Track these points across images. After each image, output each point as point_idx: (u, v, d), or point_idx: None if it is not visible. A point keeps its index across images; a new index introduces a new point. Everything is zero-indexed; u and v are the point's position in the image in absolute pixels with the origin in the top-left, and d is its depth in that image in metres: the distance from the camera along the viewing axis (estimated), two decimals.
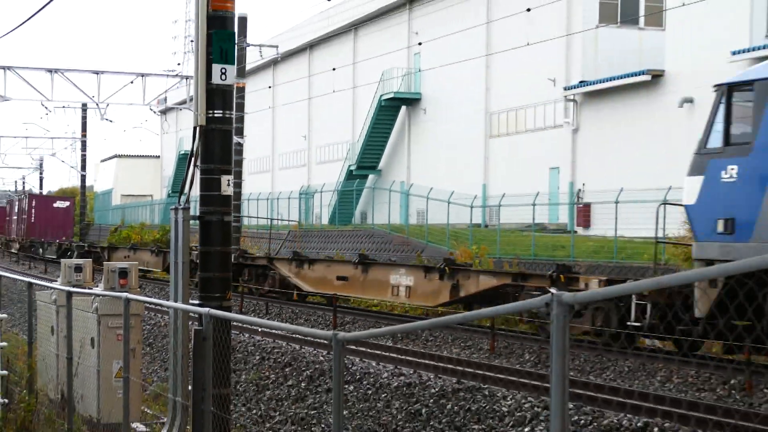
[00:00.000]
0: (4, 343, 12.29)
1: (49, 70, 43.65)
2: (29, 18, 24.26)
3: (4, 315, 13.18)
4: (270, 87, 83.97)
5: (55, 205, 75.22)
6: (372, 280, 31.94)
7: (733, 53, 42.21)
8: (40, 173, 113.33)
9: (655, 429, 14.37)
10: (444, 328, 26.66)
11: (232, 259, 39.04)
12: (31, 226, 72.17)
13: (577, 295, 4.86)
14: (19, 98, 47.16)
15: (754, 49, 41.78)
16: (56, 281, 16.41)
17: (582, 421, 15.04)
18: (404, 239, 48.78)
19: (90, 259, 23.47)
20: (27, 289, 14.00)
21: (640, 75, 47.88)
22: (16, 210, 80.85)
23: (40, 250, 67.45)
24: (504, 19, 55.34)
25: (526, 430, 15.49)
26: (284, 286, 38.06)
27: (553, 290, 4.54)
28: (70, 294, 12.71)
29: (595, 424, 14.95)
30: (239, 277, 40.43)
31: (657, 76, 47.03)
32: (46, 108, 56.46)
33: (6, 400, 11.54)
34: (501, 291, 27.13)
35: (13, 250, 79.28)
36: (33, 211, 72.97)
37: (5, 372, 11.92)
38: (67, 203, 77.05)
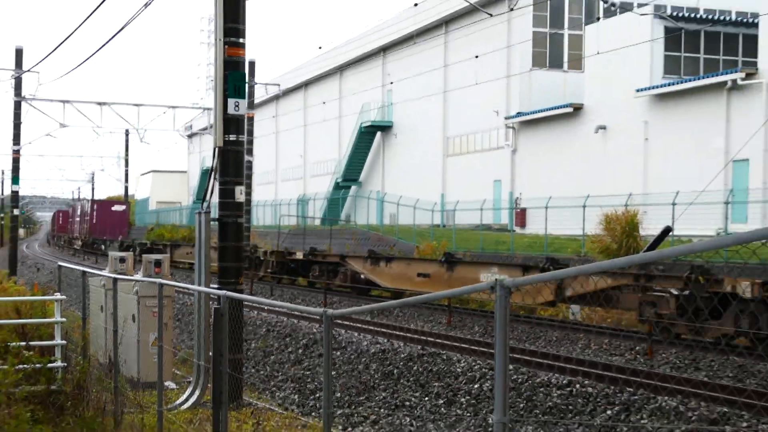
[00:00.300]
0: (64, 319, 12.21)
1: (99, 103, 43.45)
2: (83, 62, 24.27)
3: (64, 296, 13.09)
4: (273, 116, 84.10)
5: (113, 208, 73.25)
6: (459, 277, 25.50)
7: (638, 90, 42.41)
8: (92, 185, 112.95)
9: (577, 385, 14.41)
10: (411, 306, 26.63)
11: (302, 257, 35.37)
12: (93, 226, 70.22)
13: (516, 280, 4.88)
14: (75, 125, 47.12)
15: (653, 87, 41.98)
16: (105, 270, 16.36)
17: (519, 379, 15.06)
18: (379, 236, 48.67)
19: (131, 253, 23.32)
20: (81, 276, 13.94)
21: (564, 107, 47.99)
22: (79, 213, 79.02)
23: (103, 246, 65.92)
24: (458, 63, 55.50)
25: (476, 386, 15.49)
26: (355, 281, 32.84)
27: (501, 276, 4.43)
28: (115, 280, 12.65)
29: (530, 381, 14.97)
30: (309, 273, 35.91)
31: (577, 109, 47.14)
32: (96, 133, 56.26)
33: (65, 364, 11.46)
34: (613, 291, 21.57)
35: (75, 246, 77.70)
36: (94, 213, 71.08)
37: (64, 341, 11.84)
38: (123, 207, 75.13)
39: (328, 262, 34.63)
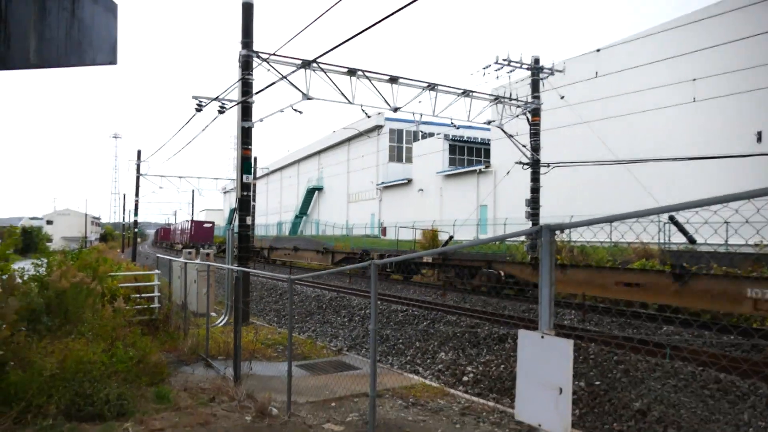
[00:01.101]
0: (159, 282, 11.64)
1: (180, 177, 41.87)
2: (172, 157, 23.57)
3: (159, 271, 12.49)
4: (266, 183, 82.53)
5: (204, 225, 64.13)
6: (702, 290, 11.81)
7: (437, 172, 43.21)
8: (175, 217, 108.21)
9: (410, 310, 14.44)
10: (331, 275, 26.36)
11: (430, 260, 20.46)
12: (191, 236, 61.60)
13: (381, 261, 4.82)
14: (167, 187, 46.33)
15: (443, 171, 42.83)
16: (181, 258, 15.71)
17: (383, 308, 15.03)
18: (317, 241, 48.21)
19: (195, 249, 22.22)
20: (169, 262, 13.34)
21: (403, 180, 48.51)
22: (180, 228, 68.78)
23: (200, 248, 53.08)
24: (354, 159, 55.70)
25: (362, 311, 15.40)
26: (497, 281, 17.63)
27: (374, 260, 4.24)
28: (186, 263, 12.17)
29: (388, 308, 14.95)
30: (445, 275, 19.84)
31: (409, 181, 47.74)
32: (178, 191, 54.76)
33: (159, 305, 10.93)
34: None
35: (176, 248, 68.20)
36: (192, 228, 62.10)
37: (159, 294, 11.28)
38: (211, 224, 63.07)
39: (466, 266, 19.20)
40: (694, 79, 20.38)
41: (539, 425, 3.02)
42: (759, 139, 22.62)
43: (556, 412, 2.91)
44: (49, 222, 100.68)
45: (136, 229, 41.02)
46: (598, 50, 19.16)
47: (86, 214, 75.27)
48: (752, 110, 22.68)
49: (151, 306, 10.73)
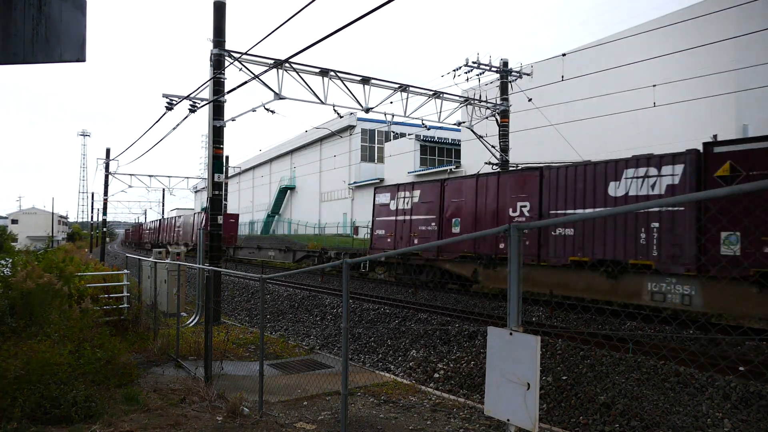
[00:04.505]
0: (128, 282, 11.37)
1: (149, 175, 40.99)
2: (140, 156, 23.01)
3: (128, 271, 12.22)
4: (237, 183, 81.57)
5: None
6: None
7: (408, 172, 43.38)
8: (145, 216, 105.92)
9: (382, 308, 14.47)
10: (303, 273, 26.19)
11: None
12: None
13: (353, 260, 4.80)
14: (136, 186, 45.04)
15: (415, 171, 43.03)
16: (151, 257, 15.39)
17: (355, 306, 15.02)
18: (290, 240, 47.82)
19: (165, 248, 21.77)
20: (138, 261, 13.07)
21: (375, 180, 48.56)
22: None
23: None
24: (326, 159, 55.48)
25: (335, 310, 15.36)
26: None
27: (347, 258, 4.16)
28: (155, 262, 11.92)
29: (360, 307, 14.95)
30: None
31: (381, 180, 47.81)
32: (147, 189, 53.27)
33: (128, 305, 10.68)
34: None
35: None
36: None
37: (128, 294, 11.03)
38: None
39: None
40: (654, 85, 20.96)
41: (508, 420, 3.06)
42: None
43: (525, 406, 2.96)
44: (14, 221, 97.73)
45: (104, 229, 40.01)
46: (564, 54, 19.53)
47: (53, 213, 73.09)
48: (708, 115, 23.44)
49: (120, 306, 10.49)
